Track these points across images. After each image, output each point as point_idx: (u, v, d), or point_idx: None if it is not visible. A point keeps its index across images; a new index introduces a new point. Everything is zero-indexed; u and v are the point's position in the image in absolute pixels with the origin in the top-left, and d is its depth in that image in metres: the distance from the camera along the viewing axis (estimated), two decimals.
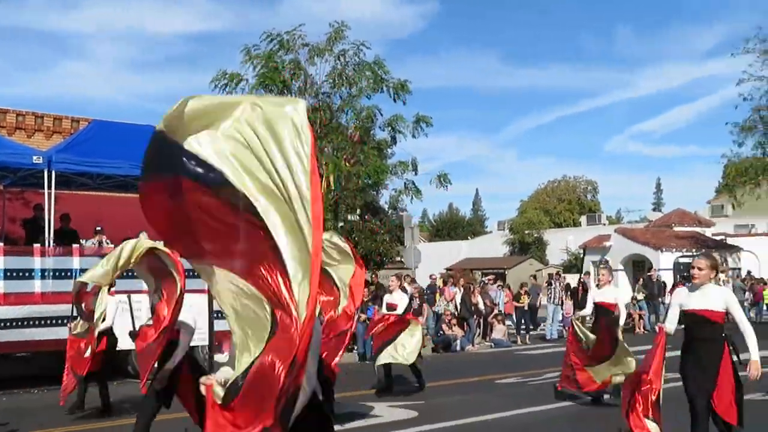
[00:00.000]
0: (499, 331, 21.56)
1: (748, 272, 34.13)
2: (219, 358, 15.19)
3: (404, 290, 16.84)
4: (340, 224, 25.67)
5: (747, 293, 29.65)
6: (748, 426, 8.50)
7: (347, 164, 20.31)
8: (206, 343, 14.41)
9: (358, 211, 32.31)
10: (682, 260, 34.38)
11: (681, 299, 6.97)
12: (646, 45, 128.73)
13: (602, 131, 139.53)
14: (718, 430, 6.90)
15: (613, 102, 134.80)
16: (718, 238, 40.47)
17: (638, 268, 38.67)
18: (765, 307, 29.85)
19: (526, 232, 56.17)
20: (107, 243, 16.06)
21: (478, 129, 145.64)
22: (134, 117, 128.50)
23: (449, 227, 76.82)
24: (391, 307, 12.49)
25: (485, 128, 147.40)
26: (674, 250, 36.24)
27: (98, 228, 16.70)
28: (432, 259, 39.92)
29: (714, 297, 6.76)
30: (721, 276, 33.75)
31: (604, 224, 54.77)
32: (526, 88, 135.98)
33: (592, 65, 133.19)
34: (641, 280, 28.81)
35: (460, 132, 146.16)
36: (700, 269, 6.75)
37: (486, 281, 24.84)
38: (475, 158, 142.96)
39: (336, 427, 9.09)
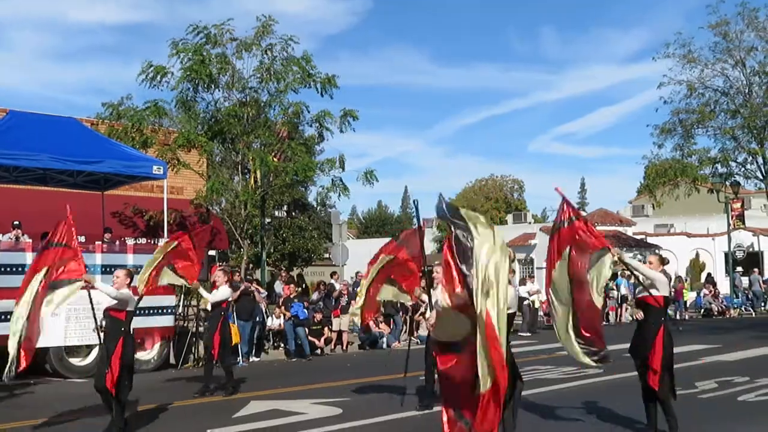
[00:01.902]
0: (425, 328, 21.64)
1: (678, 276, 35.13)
2: (141, 355, 14.93)
3: (233, 286, 16.74)
4: (267, 220, 25.51)
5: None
6: (661, 417, 8.74)
7: (275, 160, 20.15)
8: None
9: (286, 207, 32.19)
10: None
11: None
12: (571, 47, 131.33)
13: (528, 131, 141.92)
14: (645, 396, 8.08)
15: (538, 102, 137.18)
16: (638, 237, 41.53)
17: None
18: (685, 304, 30.77)
19: None
20: (25, 238, 15.60)
21: (408, 127, 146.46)
22: (54, 108, 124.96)
23: (378, 224, 77.04)
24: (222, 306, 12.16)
25: (415, 126, 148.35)
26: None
27: (15, 222, 16.21)
28: (360, 257, 39.76)
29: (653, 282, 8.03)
30: None
31: (530, 223, 55.62)
32: (455, 87, 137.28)
33: (518, 66, 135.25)
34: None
35: (390, 130, 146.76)
36: (651, 263, 8.21)
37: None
38: (404, 156, 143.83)
39: (259, 425, 9.06)
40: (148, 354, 15.04)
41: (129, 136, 19.78)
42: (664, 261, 8.41)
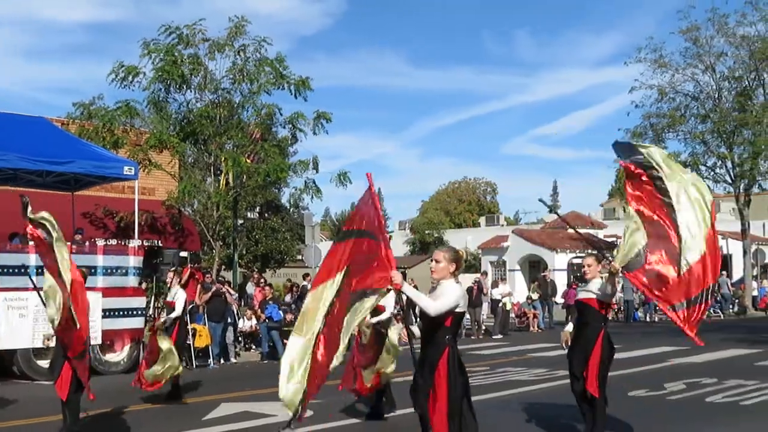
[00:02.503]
0: (395, 331, 21.65)
1: None
2: (111, 357, 14.81)
3: (204, 288, 16.67)
4: (240, 222, 25.41)
5: (636, 293, 30.73)
6: (630, 419, 8.83)
7: (247, 161, 20.08)
8: (98, 342, 14.03)
9: (258, 208, 32.06)
10: (575, 261, 35.41)
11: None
12: (545, 50, 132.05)
13: (502, 134, 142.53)
14: (578, 398, 7.69)
15: (512, 105, 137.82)
16: (609, 240, 41.83)
17: (534, 268, 39.63)
18: (654, 307, 31.02)
19: (427, 232, 56.84)
20: None
21: (382, 129, 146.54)
22: (25, 108, 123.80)
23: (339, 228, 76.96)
24: (170, 305, 11.93)
25: (389, 128, 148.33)
26: (568, 251, 37.29)
27: None
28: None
29: (594, 288, 7.67)
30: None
31: (502, 225, 55.99)
32: (430, 89, 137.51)
33: (493, 68, 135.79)
34: (536, 280, 29.54)
35: (365, 131, 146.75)
36: (589, 265, 7.80)
37: None
38: (378, 158, 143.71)
39: (229, 427, 9.01)
40: (118, 356, 14.91)
41: (100, 136, 19.62)
42: (600, 259, 7.92)
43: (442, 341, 5.75)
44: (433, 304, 5.68)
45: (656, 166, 7.46)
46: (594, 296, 7.61)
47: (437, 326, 5.75)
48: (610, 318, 8.19)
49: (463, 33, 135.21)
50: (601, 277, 7.78)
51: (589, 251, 9.77)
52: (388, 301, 9.90)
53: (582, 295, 7.82)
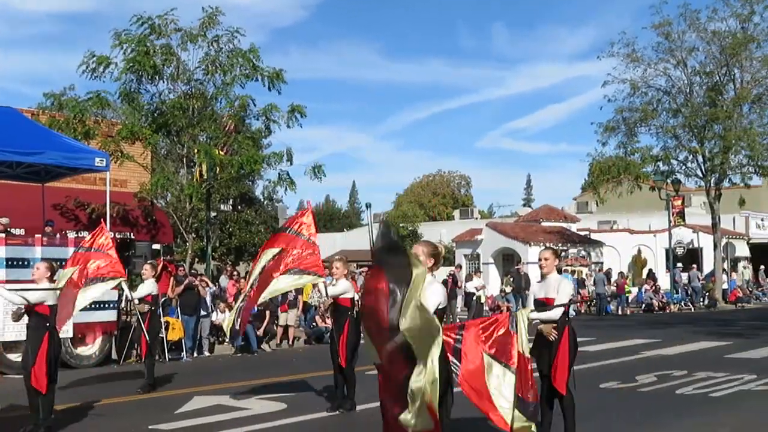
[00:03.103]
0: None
1: (620, 272, 35.63)
2: (82, 351, 14.68)
3: (177, 280, 16.62)
4: (213, 214, 25.26)
5: (608, 286, 31.02)
6: (601, 411, 8.90)
7: (221, 153, 19.95)
8: (69, 335, 13.89)
9: (232, 201, 31.92)
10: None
11: (534, 289, 7.86)
12: (520, 44, 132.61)
13: (477, 127, 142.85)
14: (546, 397, 7.48)
15: (488, 99, 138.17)
16: (582, 233, 42.14)
17: (508, 261, 39.76)
18: (626, 300, 31.33)
19: (401, 225, 56.84)
20: None
21: (358, 121, 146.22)
22: None
23: (325, 219, 76.81)
24: (147, 300, 11.97)
25: (364, 121, 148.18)
26: (542, 244, 37.42)
27: None
28: None
29: (553, 286, 7.51)
30: (584, 270, 35.25)
31: (476, 218, 56.12)
32: (405, 82, 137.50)
33: (469, 62, 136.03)
34: (509, 273, 29.67)
35: (340, 124, 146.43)
36: (546, 260, 7.59)
37: (359, 273, 24.94)
38: (353, 150, 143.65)
39: (201, 420, 8.97)
40: (90, 349, 14.79)
41: (71, 128, 19.40)
42: (559, 254, 7.85)
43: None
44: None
45: None
46: (551, 296, 7.41)
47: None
48: (582, 311, 8.18)
49: (439, 26, 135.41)
50: (567, 272, 7.76)
51: (548, 245, 9.70)
52: (352, 292, 9.89)
53: (541, 294, 7.59)
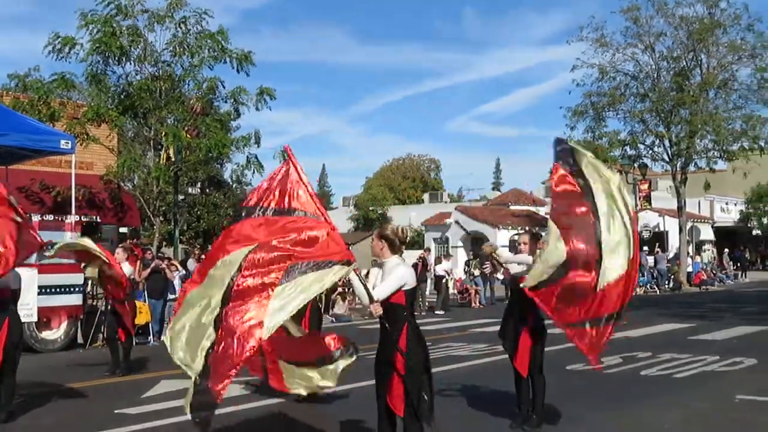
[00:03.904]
0: (340, 307, 21.75)
1: None
2: (47, 335, 14.53)
3: (144, 264, 16.52)
4: (181, 197, 25.08)
5: None
6: (566, 393, 9.01)
7: (188, 136, 19.77)
8: (34, 319, 13.75)
9: (200, 184, 31.69)
10: (516, 237, 35.77)
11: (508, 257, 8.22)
12: (490, 28, 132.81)
13: (447, 111, 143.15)
14: (516, 379, 7.67)
15: (458, 82, 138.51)
16: None
17: (477, 244, 39.98)
18: None
19: (371, 208, 56.88)
20: None
21: (328, 105, 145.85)
22: None
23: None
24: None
25: (335, 104, 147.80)
26: (510, 227, 37.68)
27: None
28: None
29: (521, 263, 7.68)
30: None
31: (446, 202, 56.28)
32: (376, 65, 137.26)
33: (439, 46, 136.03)
34: (478, 256, 29.79)
35: (310, 107, 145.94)
36: (525, 243, 7.71)
37: None
38: (324, 134, 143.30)
39: (168, 404, 8.92)
40: (55, 333, 14.64)
41: (35, 109, 19.11)
42: (538, 237, 7.77)
43: (400, 318, 5.79)
44: (376, 292, 5.71)
45: (587, 176, 7.19)
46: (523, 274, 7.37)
47: (392, 305, 5.77)
48: None
49: (410, 10, 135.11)
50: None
51: (527, 228, 9.77)
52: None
53: (515, 269, 7.69)
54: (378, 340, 5.94)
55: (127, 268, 12.00)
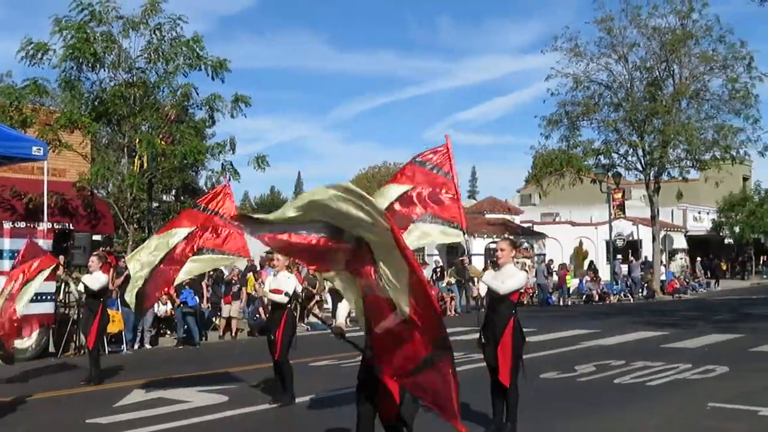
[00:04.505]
0: (314, 317, 21.68)
1: (561, 263, 36.04)
2: (18, 343, 14.33)
3: (118, 271, 16.48)
4: (155, 204, 24.88)
5: (550, 277, 31.43)
6: (540, 401, 9.04)
7: (163, 143, 19.64)
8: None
9: (174, 191, 31.44)
10: (492, 246, 35.88)
11: (487, 278, 7.65)
12: (467, 37, 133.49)
13: (424, 119, 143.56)
14: (494, 388, 7.64)
15: (435, 91, 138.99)
16: (525, 225, 42.62)
17: (452, 252, 40.04)
18: (568, 291, 31.79)
19: None
20: None
21: (304, 112, 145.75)
22: None
23: (270, 210, 76.29)
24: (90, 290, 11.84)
25: (311, 111, 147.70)
26: (485, 236, 37.77)
27: None
28: (251, 242, 39.41)
29: (508, 276, 7.46)
30: (527, 261, 35.63)
31: None
32: (353, 73, 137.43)
33: (416, 54, 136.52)
34: (453, 264, 29.87)
35: (287, 114, 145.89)
36: (503, 250, 7.56)
37: (303, 265, 24.81)
38: (300, 140, 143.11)
39: (140, 414, 8.84)
40: (26, 342, 14.44)
41: (7, 115, 18.89)
42: (516, 245, 7.72)
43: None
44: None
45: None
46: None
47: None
48: (525, 302, 8.24)
49: (387, 18, 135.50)
50: (516, 263, 7.79)
51: (505, 236, 9.72)
52: (287, 285, 9.77)
53: (494, 284, 7.46)
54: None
55: (102, 277, 11.89)
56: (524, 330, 7.59)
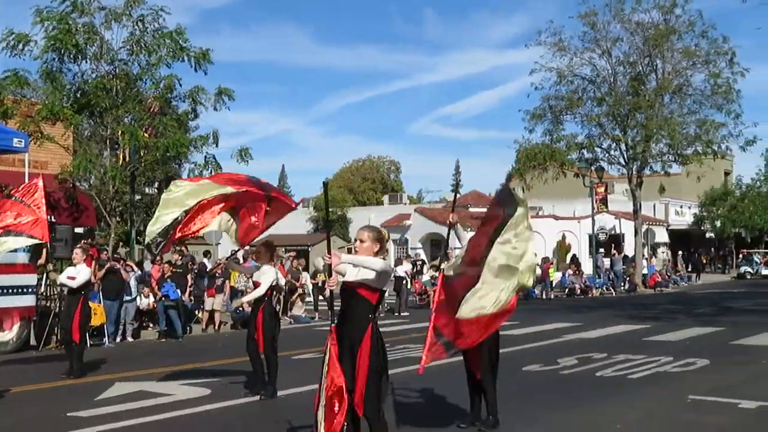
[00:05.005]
0: (299, 308, 21.70)
1: (544, 257, 36.17)
2: (0, 336, 14.26)
3: (100, 264, 16.37)
4: (137, 197, 24.79)
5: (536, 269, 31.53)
6: (522, 394, 9.08)
7: (145, 135, 19.53)
8: None
9: (157, 184, 31.31)
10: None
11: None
12: (452, 31, 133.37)
13: (408, 113, 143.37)
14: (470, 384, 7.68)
15: (419, 84, 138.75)
16: None
17: (436, 246, 40.13)
18: (551, 284, 31.93)
19: (330, 209, 56.75)
20: None
21: (288, 106, 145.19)
22: None
23: None
24: (71, 280, 11.71)
25: (294, 105, 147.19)
26: (469, 229, 37.80)
27: None
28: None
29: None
30: None
31: (405, 204, 56.37)
32: (336, 66, 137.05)
33: (400, 47, 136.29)
34: (437, 258, 29.93)
35: (270, 108, 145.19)
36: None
37: (287, 257, 24.83)
38: (283, 134, 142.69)
39: (122, 407, 8.81)
40: (7, 335, 14.39)
41: None
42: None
43: (365, 318, 5.82)
44: (376, 261, 5.85)
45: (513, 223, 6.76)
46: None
47: (361, 303, 5.83)
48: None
49: (371, 11, 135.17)
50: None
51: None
52: (264, 278, 9.76)
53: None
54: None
55: (84, 269, 11.79)
56: (507, 323, 7.63)
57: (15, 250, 14.07)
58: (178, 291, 17.79)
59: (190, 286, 19.02)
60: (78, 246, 12.89)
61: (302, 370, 11.32)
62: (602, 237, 38.92)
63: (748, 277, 46.18)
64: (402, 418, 8.04)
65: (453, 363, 8.14)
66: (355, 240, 6.20)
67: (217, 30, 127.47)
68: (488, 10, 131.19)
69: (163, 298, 17.36)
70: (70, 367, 11.43)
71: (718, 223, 51.19)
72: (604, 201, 38.07)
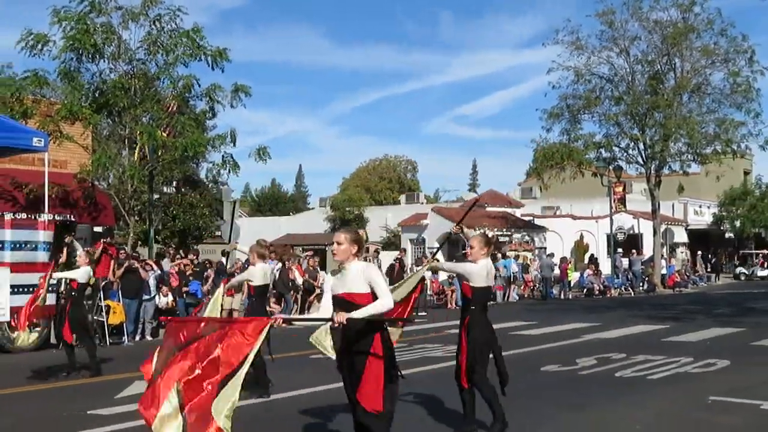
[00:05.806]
0: (316, 308, 21.71)
1: (563, 257, 36.02)
2: (19, 335, 14.34)
3: (118, 263, 16.43)
4: (156, 196, 24.89)
5: (555, 269, 31.42)
6: (541, 394, 9.02)
7: (163, 135, 19.60)
8: (6, 319, 13.59)
9: (175, 183, 31.45)
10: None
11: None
12: (467, 31, 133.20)
13: (424, 113, 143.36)
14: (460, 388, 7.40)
15: (434, 85, 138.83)
16: (526, 218, 42.61)
17: (453, 245, 40.06)
18: (569, 284, 31.81)
19: (347, 209, 56.78)
20: None
21: (304, 105, 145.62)
22: None
23: (271, 203, 76.43)
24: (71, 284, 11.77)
25: (310, 105, 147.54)
26: (486, 229, 37.74)
27: None
28: (252, 235, 39.37)
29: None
30: (528, 255, 35.63)
31: (422, 203, 56.29)
32: (352, 66, 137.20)
33: (416, 48, 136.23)
34: (454, 257, 29.85)
35: (287, 107, 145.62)
36: (472, 248, 6.09)
37: (304, 257, 24.87)
38: (300, 134, 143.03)
39: (116, 410, 8.83)
40: (30, 335, 14.47)
41: (8, 106, 18.87)
42: (489, 242, 7.23)
43: (371, 328, 5.59)
44: (384, 302, 5.53)
45: None
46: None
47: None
48: (526, 295, 8.02)
49: (386, 12, 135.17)
50: (504, 256, 7.59)
51: (481, 231, 9.18)
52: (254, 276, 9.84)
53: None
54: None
55: (78, 273, 11.72)
56: (525, 323, 7.57)
57: (35, 248, 14.23)
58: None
59: (209, 286, 19.09)
60: (84, 249, 12.95)
61: (317, 370, 11.32)
62: (620, 237, 38.72)
63: (743, 278, 45.81)
64: (415, 420, 8.01)
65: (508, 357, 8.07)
66: (333, 242, 5.86)
67: (231, 30, 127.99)
68: (503, 10, 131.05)
69: (184, 296, 17.40)
70: (71, 366, 11.45)
71: (737, 223, 50.78)
72: (622, 200, 37.87)
